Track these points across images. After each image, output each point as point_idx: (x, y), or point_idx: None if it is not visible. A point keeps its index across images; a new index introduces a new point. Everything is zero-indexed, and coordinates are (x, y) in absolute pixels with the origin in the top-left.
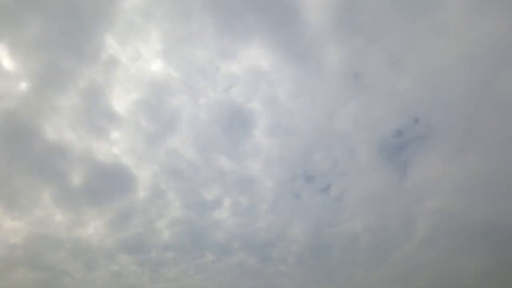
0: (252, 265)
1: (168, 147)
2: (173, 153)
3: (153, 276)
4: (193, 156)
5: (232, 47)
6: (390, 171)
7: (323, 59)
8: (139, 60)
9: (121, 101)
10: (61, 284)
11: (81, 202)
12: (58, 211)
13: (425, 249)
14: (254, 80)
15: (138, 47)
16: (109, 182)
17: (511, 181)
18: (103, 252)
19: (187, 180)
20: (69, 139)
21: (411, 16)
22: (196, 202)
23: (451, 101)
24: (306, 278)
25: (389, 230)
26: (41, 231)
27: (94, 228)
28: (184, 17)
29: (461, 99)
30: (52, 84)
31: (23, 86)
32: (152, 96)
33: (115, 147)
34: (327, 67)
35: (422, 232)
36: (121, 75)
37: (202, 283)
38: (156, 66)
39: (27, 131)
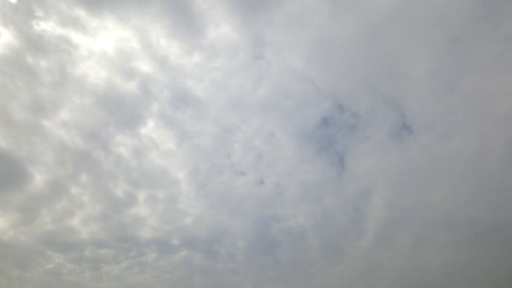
0: (200, 262)
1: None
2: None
3: (96, 274)
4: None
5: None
6: (325, 164)
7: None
8: None
9: None
10: None
11: None
12: None
13: (384, 246)
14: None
15: None
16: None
17: (455, 167)
18: (25, 251)
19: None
20: None
21: None
22: (107, 197)
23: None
24: (261, 276)
25: (338, 226)
26: None
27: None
28: None
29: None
30: None
31: None
32: None
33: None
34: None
35: (375, 227)
36: None
37: (149, 281)
38: None
39: None
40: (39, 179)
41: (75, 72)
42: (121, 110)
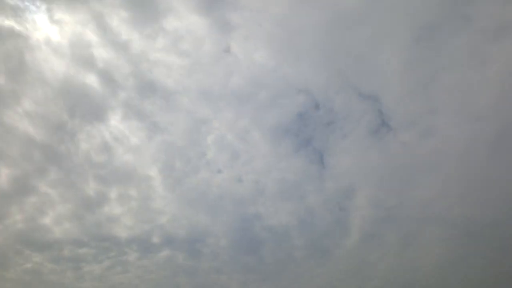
0: (183, 261)
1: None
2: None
3: (77, 274)
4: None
5: None
6: (304, 162)
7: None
8: None
9: None
10: None
11: None
12: None
13: (371, 245)
14: None
15: None
16: None
17: (440, 164)
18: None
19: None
20: None
21: None
22: (78, 195)
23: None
24: (247, 276)
25: (322, 225)
26: None
27: None
28: None
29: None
30: None
31: None
32: None
33: None
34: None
35: (361, 226)
36: None
37: (133, 281)
38: None
39: None
40: (5, 174)
41: (32, 61)
42: (85, 100)
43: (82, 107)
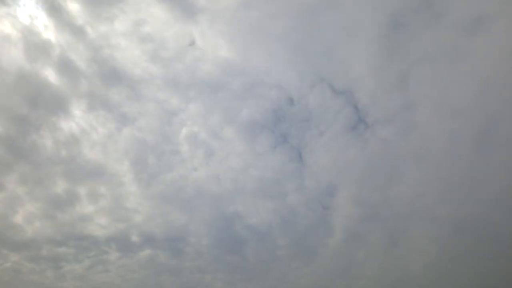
0: (166, 261)
1: None
2: None
3: (58, 273)
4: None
5: None
6: (283, 159)
7: None
8: None
9: None
10: None
11: None
12: None
13: (357, 244)
14: None
15: None
16: None
17: (421, 160)
18: None
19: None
20: None
21: None
22: (46, 193)
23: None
24: (232, 276)
25: (306, 224)
26: None
27: None
28: None
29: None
30: None
31: None
32: None
33: None
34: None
35: (346, 225)
36: None
37: (115, 281)
38: None
39: None
40: None
41: None
42: (46, 90)
43: (43, 97)
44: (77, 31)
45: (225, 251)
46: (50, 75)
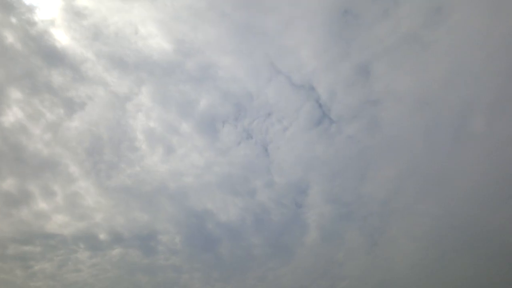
0: (139, 259)
1: None
2: None
3: (28, 273)
4: None
5: None
6: (249, 156)
7: None
8: None
9: None
10: None
11: None
12: None
13: (335, 243)
14: None
15: None
16: None
17: (392, 157)
18: None
19: None
20: None
21: None
22: None
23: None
24: (209, 275)
25: (280, 221)
26: None
27: None
28: None
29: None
30: None
31: None
32: None
33: None
34: None
35: (322, 223)
36: None
37: (88, 280)
38: None
39: None
40: None
41: None
42: None
43: None
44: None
45: (199, 249)
46: None
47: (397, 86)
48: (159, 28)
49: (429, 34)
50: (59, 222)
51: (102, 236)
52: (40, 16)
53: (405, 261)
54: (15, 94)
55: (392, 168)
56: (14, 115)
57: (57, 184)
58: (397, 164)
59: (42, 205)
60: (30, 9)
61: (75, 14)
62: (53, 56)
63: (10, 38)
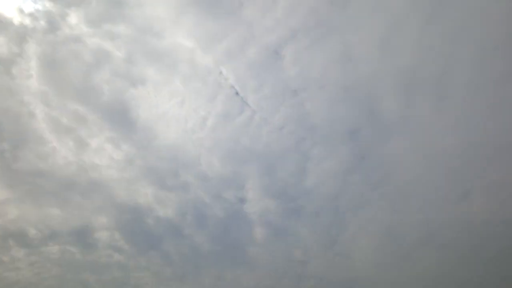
0: (82, 257)
1: None
2: None
3: None
4: None
5: None
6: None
7: None
8: None
9: None
10: None
11: None
12: None
13: (289, 240)
14: None
15: None
16: None
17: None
18: None
19: None
20: None
21: None
22: None
23: None
24: (160, 274)
25: (223, 217)
26: None
27: None
28: None
29: None
30: None
31: None
32: None
33: None
34: None
35: (268, 219)
36: None
37: (32, 280)
38: None
39: None
40: None
41: None
42: None
43: None
44: None
45: (143, 247)
46: None
47: (313, 72)
48: None
49: (337, 17)
50: None
51: (32, 233)
52: None
53: (368, 259)
54: None
55: (334, 161)
56: None
57: None
58: (337, 157)
59: None
60: None
61: None
62: None
63: None
